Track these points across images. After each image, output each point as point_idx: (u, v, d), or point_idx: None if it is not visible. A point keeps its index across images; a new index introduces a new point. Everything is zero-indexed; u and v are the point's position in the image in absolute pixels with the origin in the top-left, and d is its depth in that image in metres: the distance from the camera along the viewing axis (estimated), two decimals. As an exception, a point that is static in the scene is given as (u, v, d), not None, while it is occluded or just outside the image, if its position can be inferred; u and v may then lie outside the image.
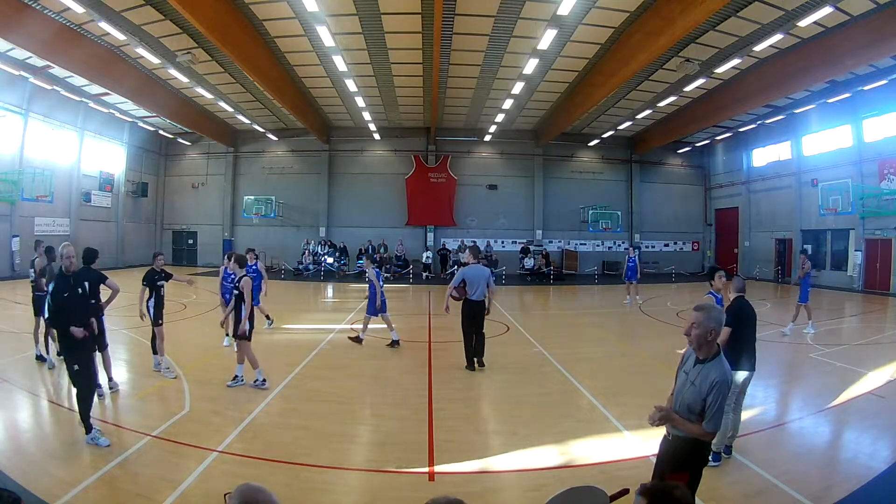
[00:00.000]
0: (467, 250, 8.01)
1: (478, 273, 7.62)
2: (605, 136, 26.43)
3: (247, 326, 6.49)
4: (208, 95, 20.59)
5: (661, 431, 5.18)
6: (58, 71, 18.24)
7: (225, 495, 1.61)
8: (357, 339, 9.26)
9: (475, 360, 7.72)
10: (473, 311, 7.57)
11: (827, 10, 11.96)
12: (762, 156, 25.85)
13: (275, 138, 27.47)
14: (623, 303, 16.09)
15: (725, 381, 2.66)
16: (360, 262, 24.84)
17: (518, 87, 17.94)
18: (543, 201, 27.84)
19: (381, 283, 9.17)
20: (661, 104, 20.94)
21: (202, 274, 23.96)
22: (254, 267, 10.12)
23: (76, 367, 4.81)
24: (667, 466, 2.84)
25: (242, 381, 6.63)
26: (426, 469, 4.44)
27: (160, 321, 7.27)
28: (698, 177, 29.76)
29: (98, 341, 5.78)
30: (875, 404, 6.12)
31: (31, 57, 16.68)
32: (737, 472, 4.36)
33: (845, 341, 10.30)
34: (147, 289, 7.27)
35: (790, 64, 15.73)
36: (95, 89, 20.19)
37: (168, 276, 7.56)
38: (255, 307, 9.07)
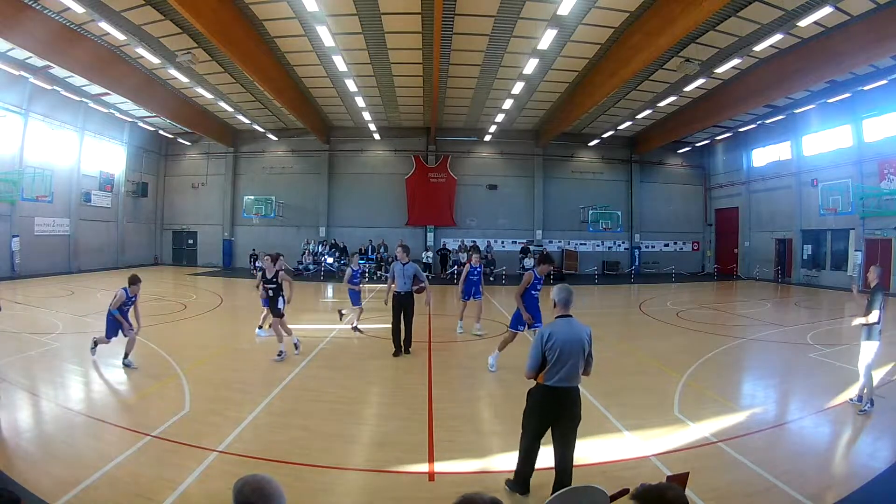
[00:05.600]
0: (399, 249, 8.82)
1: (404, 269, 8.67)
2: (605, 136, 26.43)
3: (281, 305, 8.42)
4: (208, 95, 20.60)
5: (661, 432, 5.21)
6: (58, 71, 18.26)
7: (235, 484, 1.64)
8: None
9: (402, 346, 8.59)
10: (400, 302, 8.52)
11: (827, 10, 11.96)
12: (762, 156, 25.85)
13: (275, 138, 27.49)
14: (454, 329, 10.80)
15: (538, 333, 3.83)
16: (361, 262, 24.88)
17: (518, 87, 17.94)
18: (543, 201, 27.85)
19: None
20: (661, 104, 20.95)
21: (202, 274, 23.95)
22: None
23: None
24: None
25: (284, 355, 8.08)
26: (426, 469, 4.44)
27: None
28: (698, 177, 29.77)
29: None
30: (875, 404, 6.12)
31: (31, 57, 16.69)
32: (737, 472, 4.36)
33: (845, 341, 10.27)
34: None
35: (790, 64, 15.74)
36: (95, 89, 20.20)
37: None
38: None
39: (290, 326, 9.98)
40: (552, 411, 3.73)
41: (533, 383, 3.89)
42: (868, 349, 5.90)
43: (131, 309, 7.69)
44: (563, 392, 3.70)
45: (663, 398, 6.38)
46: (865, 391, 5.90)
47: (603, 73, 16.97)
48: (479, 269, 10.85)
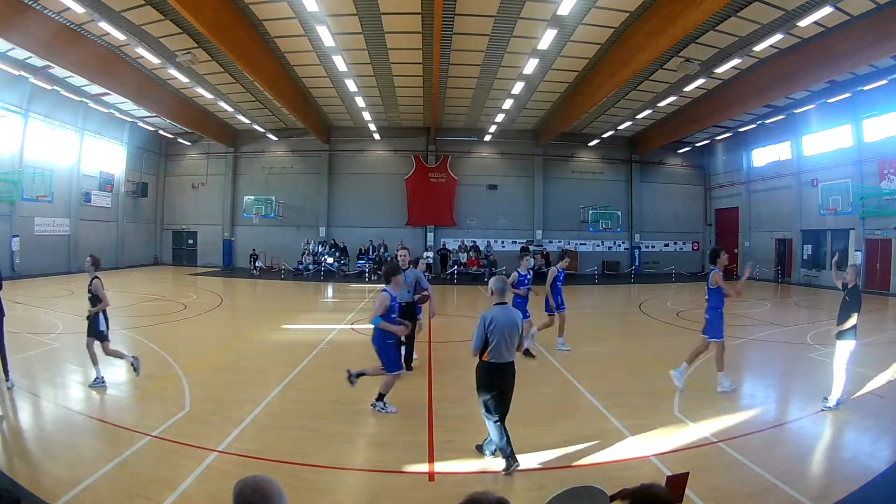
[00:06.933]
0: (404, 252, 7.85)
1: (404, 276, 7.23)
2: (605, 136, 26.44)
3: (102, 328, 6.53)
4: (208, 95, 20.60)
5: (661, 432, 5.21)
6: (58, 71, 18.25)
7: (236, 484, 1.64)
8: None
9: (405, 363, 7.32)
10: (400, 314, 7.30)
11: (827, 10, 11.97)
12: (762, 156, 25.86)
13: (275, 138, 27.49)
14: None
15: (480, 318, 4.47)
16: (361, 262, 24.92)
17: (518, 87, 17.94)
18: (543, 201, 27.85)
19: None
20: (661, 104, 20.95)
21: (202, 274, 23.99)
22: None
23: None
24: None
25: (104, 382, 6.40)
26: (426, 469, 4.44)
27: None
28: (698, 177, 29.77)
29: None
30: (875, 404, 6.12)
31: (31, 57, 16.69)
32: (737, 472, 4.36)
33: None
34: None
35: (790, 64, 15.73)
36: (95, 89, 20.20)
37: None
38: None
39: (289, 326, 10.00)
40: (499, 383, 4.44)
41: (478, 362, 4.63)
42: (844, 349, 5.89)
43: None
44: (505, 366, 4.47)
45: (663, 398, 6.38)
46: (840, 391, 5.90)
47: (603, 73, 16.97)
48: (561, 273, 9.21)
